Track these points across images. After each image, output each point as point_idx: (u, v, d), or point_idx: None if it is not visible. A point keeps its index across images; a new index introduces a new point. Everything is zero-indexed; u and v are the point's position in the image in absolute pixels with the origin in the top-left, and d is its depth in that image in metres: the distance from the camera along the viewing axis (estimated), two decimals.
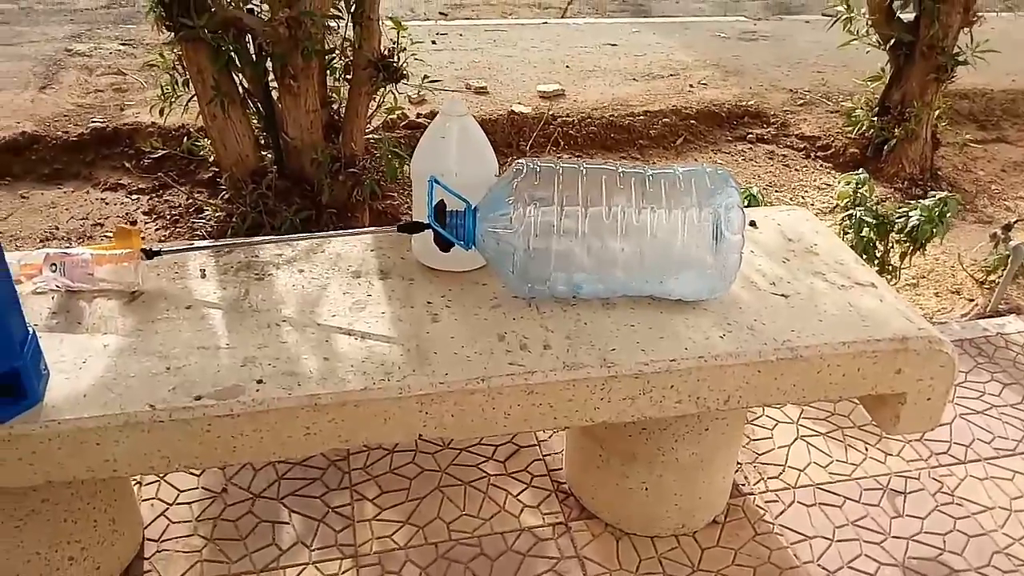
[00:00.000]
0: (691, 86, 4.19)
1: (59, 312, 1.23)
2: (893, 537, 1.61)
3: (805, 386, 1.23)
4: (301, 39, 2.19)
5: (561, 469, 1.73)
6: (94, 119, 3.38)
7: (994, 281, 2.54)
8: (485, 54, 4.61)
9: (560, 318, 1.25)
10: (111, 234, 2.43)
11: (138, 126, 3.31)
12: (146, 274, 1.30)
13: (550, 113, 3.64)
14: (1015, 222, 2.64)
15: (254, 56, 2.34)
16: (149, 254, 1.29)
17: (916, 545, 1.60)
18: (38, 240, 2.71)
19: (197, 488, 1.65)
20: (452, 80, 4.05)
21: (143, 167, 3.14)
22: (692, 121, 3.77)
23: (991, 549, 1.59)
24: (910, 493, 1.71)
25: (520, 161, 1.23)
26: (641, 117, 3.72)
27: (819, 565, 1.55)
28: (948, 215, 2.25)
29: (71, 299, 1.26)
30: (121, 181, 3.08)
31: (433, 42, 4.69)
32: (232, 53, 2.29)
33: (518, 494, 1.67)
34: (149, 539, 1.54)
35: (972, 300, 2.55)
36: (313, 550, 1.53)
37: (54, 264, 1.26)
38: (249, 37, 2.31)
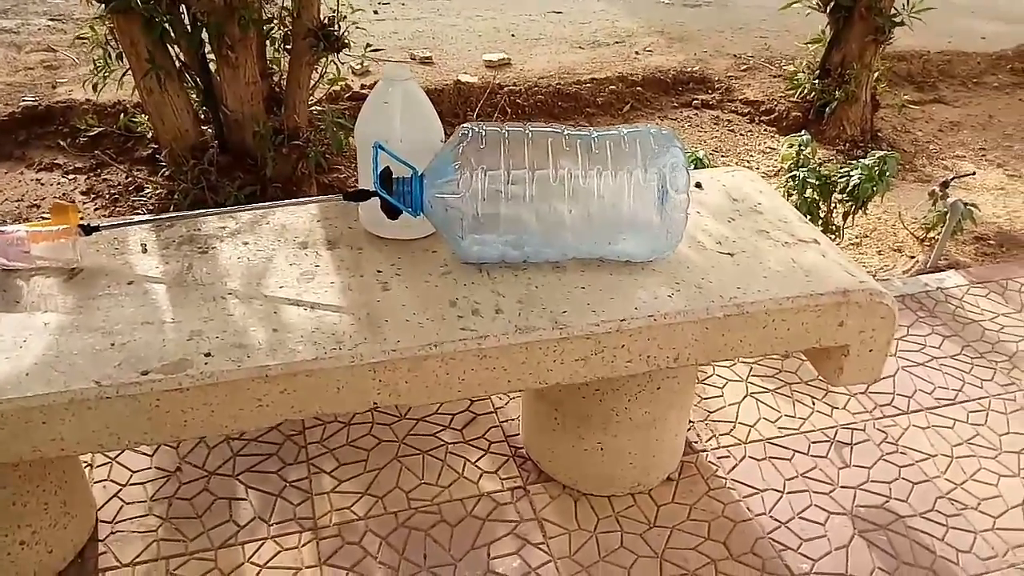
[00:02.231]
0: (636, 53, 4.20)
1: None
2: (841, 487, 1.66)
3: (752, 341, 1.25)
4: (237, 8, 2.14)
5: (518, 435, 1.74)
6: (25, 98, 3.26)
7: (934, 238, 2.61)
8: (429, 23, 4.55)
9: (511, 282, 1.25)
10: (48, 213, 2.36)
11: (72, 103, 3.20)
12: (85, 250, 1.27)
13: (496, 82, 3.62)
14: (952, 179, 2.70)
15: (189, 27, 2.28)
16: (87, 230, 1.26)
17: (863, 494, 1.65)
18: None
19: (150, 468, 1.63)
20: (396, 50, 3.99)
21: (79, 146, 3.04)
22: (638, 88, 3.77)
23: (934, 494, 1.65)
24: (856, 444, 1.76)
25: (465, 125, 1.22)
26: (588, 85, 3.72)
27: (771, 517, 1.59)
28: (888, 173, 2.30)
29: (8, 278, 1.22)
30: (56, 161, 2.98)
31: (375, 12, 4.62)
32: (166, 24, 2.22)
33: (476, 461, 1.68)
34: (103, 521, 1.51)
35: (913, 257, 2.62)
36: (271, 525, 1.52)
37: None
38: (183, 7, 2.24)
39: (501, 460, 1.68)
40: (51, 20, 4.30)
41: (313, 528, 1.52)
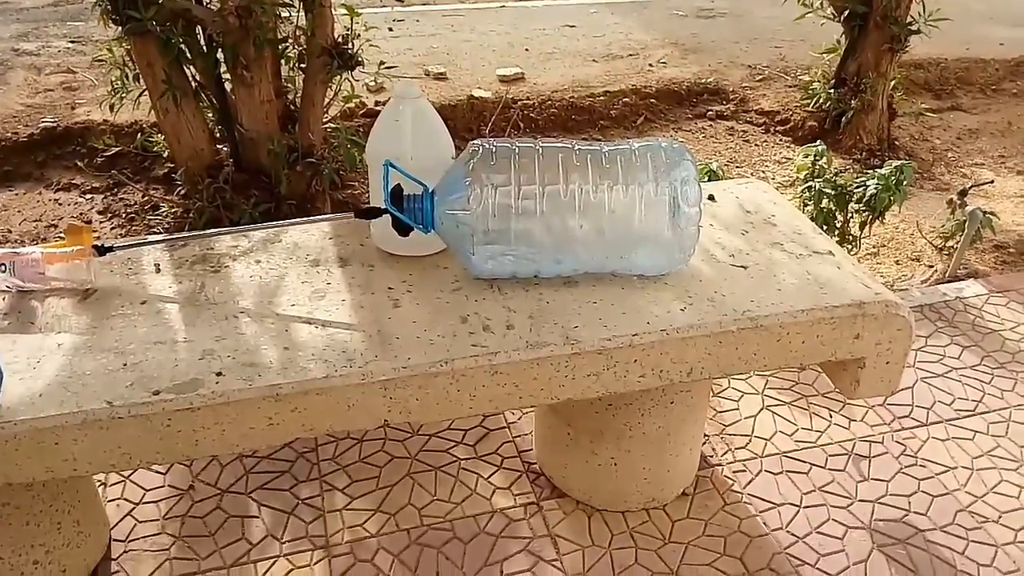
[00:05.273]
0: (650, 65, 4.20)
1: (10, 312, 1.21)
2: (859, 500, 1.64)
3: (766, 355, 1.24)
4: (252, 28, 2.16)
5: (531, 450, 1.73)
6: (44, 119, 3.31)
7: (952, 247, 2.58)
8: (443, 39, 4.58)
9: (522, 298, 1.25)
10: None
11: (90, 124, 3.25)
12: (99, 271, 1.28)
13: (510, 97, 3.62)
14: (970, 187, 2.67)
15: (205, 47, 2.31)
16: (101, 250, 1.27)
17: (882, 507, 1.62)
18: None
19: (163, 486, 1.63)
20: (410, 67, 4.02)
21: (96, 166, 3.08)
22: (652, 100, 3.77)
23: (954, 508, 1.63)
24: (874, 457, 1.74)
25: (476, 141, 1.22)
26: (601, 98, 3.72)
27: (788, 531, 1.57)
28: (904, 183, 2.28)
29: (23, 299, 1.23)
30: (74, 181, 3.02)
31: (390, 29, 4.65)
32: (182, 45, 2.25)
33: (489, 477, 1.67)
34: (116, 539, 1.52)
35: (932, 266, 2.59)
36: (284, 543, 1.52)
37: (3, 264, 1.23)
38: (199, 28, 2.27)
39: (514, 476, 1.68)
40: (71, 42, 4.37)
41: (325, 546, 1.52)
